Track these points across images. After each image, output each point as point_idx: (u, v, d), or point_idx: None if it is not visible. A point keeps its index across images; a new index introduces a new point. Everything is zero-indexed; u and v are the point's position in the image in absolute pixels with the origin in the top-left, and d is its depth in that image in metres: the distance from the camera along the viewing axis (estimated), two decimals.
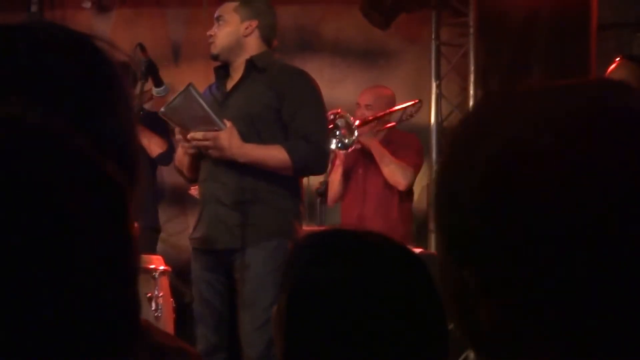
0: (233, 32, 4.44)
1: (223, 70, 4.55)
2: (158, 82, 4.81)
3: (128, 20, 7.45)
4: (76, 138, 0.78)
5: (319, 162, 4.40)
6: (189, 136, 4.27)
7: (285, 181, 4.34)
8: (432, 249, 6.79)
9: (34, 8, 7.33)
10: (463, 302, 0.95)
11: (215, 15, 4.53)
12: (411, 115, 6.34)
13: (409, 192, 6.05)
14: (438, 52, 7.20)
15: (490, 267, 0.91)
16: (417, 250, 5.63)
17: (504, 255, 0.89)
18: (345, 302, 1.61)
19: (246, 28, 4.44)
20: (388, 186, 5.94)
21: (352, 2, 7.01)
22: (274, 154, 4.27)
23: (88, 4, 7.40)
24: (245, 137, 4.27)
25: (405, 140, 6.08)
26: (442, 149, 7.07)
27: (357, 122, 5.73)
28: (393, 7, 6.83)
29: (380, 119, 6.00)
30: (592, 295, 0.87)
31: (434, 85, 7.17)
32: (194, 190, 4.97)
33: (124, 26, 7.42)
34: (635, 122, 0.91)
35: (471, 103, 6.98)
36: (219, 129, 4.23)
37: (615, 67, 5.28)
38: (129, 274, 0.79)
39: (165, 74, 6.79)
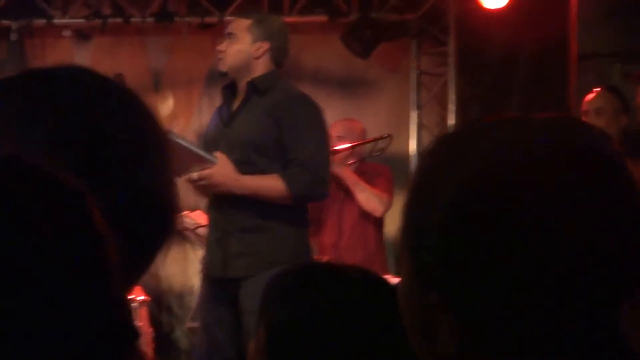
0: (243, 52, 4.34)
1: (230, 89, 4.46)
2: None
3: (108, 48, 7.43)
4: (36, 160, 0.80)
5: (317, 189, 4.31)
6: (184, 180, 4.16)
7: (289, 208, 4.27)
8: None
9: (13, 36, 7.30)
10: (427, 324, 1.01)
11: (227, 31, 4.44)
12: (381, 150, 6.39)
13: (381, 221, 6.07)
14: (418, 81, 7.23)
15: (456, 293, 0.97)
16: (396, 280, 5.64)
17: (469, 283, 0.96)
18: (325, 335, 1.60)
19: (257, 49, 4.35)
20: (364, 216, 5.95)
21: (332, 32, 7.03)
22: (271, 184, 4.20)
23: (68, 33, 7.38)
24: (242, 166, 4.21)
25: (377, 170, 6.13)
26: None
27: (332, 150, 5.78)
28: (373, 37, 6.85)
29: (353, 149, 6.04)
30: (549, 318, 0.94)
31: (414, 114, 7.20)
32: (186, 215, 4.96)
33: (104, 55, 7.40)
34: (599, 161, 0.97)
35: None
36: (212, 164, 4.15)
37: (594, 96, 5.33)
38: (104, 274, 0.79)
39: None
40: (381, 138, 6.34)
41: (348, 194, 5.95)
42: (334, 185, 5.96)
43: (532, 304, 0.93)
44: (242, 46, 4.35)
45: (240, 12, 4.47)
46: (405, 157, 7.17)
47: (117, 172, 1.03)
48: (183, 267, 4.95)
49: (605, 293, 0.94)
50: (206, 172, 4.15)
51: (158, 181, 1.08)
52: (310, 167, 4.23)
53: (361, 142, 6.13)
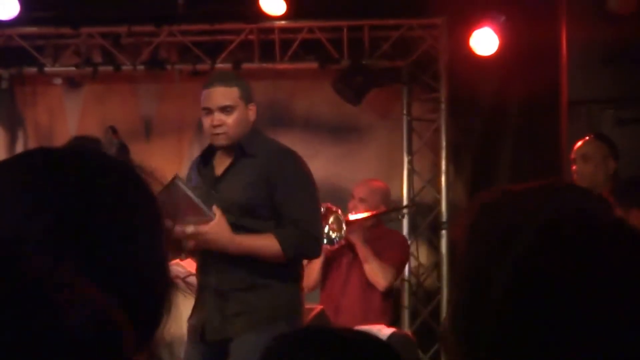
0: (244, 119, 4.36)
1: (209, 148, 4.48)
2: None
3: (99, 96, 7.43)
4: (80, 282, 0.80)
5: (311, 247, 4.34)
6: (177, 231, 4.10)
7: (284, 265, 4.26)
8: (405, 327, 6.74)
9: (4, 84, 7.30)
10: None
11: (221, 106, 4.33)
12: (402, 216, 6.37)
13: (390, 290, 5.99)
14: (409, 127, 7.23)
15: None
16: (390, 331, 5.59)
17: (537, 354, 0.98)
18: None
19: (252, 112, 4.39)
20: (369, 283, 5.89)
21: (323, 78, 7.04)
22: (265, 244, 4.20)
23: (59, 80, 7.39)
24: (236, 227, 4.21)
25: (392, 238, 6.09)
26: (416, 226, 7.07)
27: (346, 219, 5.75)
28: (364, 83, 6.86)
29: (371, 218, 5.98)
30: None
31: (405, 160, 7.19)
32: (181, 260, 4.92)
33: (95, 102, 7.40)
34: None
35: (443, 178, 6.99)
36: (208, 218, 4.14)
37: (583, 143, 5.36)
38: None
39: (136, 150, 6.76)
40: (404, 208, 6.31)
41: (357, 256, 5.90)
42: (344, 245, 5.91)
43: None
44: (241, 115, 4.36)
45: (217, 80, 4.46)
46: (397, 203, 7.15)
47: (111, 251, 1.03)
48: (173, 316, 4.89)
49: None
50: (202, 228, 4.14)
51: (152, 260, 1.08)
52: (303, 226, 4.24)
53: (380, 212, 6.06)
